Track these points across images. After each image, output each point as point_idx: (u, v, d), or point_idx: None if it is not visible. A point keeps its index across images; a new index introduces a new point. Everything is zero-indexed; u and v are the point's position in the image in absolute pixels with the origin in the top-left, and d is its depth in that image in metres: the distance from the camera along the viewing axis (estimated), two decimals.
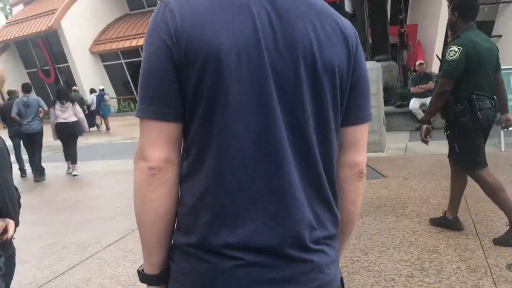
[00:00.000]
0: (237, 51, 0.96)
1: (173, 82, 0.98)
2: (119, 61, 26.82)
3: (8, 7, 38.65)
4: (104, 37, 26.67)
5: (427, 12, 20.81)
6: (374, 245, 3.84)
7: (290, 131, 1.00)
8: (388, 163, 7.00)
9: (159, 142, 0.99)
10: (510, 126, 3.96)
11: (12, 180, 2.00)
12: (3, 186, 1.90)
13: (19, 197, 2.08)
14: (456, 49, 3.49)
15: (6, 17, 39.06)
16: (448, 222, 4.01)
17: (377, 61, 9.90)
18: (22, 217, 2.11)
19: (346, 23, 1.10)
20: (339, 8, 8.30)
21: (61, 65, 27.06)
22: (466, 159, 3.73)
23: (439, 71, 4.03)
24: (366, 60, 8.02)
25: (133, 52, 26.04)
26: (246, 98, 0.97)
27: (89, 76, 25.63)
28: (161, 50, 0.97)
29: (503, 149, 7.27)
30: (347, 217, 1.18)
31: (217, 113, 0.97)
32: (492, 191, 3.65)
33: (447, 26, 3.91)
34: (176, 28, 0.96)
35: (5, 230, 1.87)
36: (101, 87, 18.91)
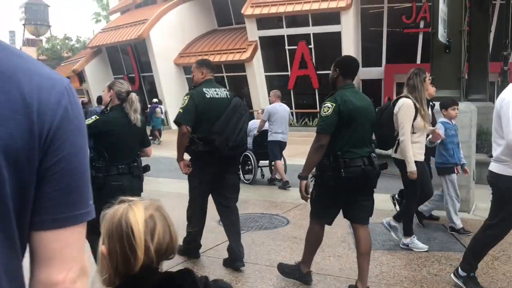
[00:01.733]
0: None
1: None
2: None
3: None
4: (189, 50, 27.00)
5: None
6: None
7: None
8: (474, 229, 5.64)
9: None
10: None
11: None
12: None
13: None
14: (330, 105, 3.62)
15: None
16: (300, 274, 4.00)
17: (472, 100, 8.57)
18: None
19: (43, 83, 0.84)
20: (433, 36, 7.05)
21: (146, 74, 27.76)
22: (312, 207, 3.91)
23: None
24: (459, 101, 6.79)
25: (216, 67, 25.96)
26: None
27: (171, 88, 26.01)
28: None
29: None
30: None
31: None
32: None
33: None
34: None
35: None
36: (155, 100, 19.58)
